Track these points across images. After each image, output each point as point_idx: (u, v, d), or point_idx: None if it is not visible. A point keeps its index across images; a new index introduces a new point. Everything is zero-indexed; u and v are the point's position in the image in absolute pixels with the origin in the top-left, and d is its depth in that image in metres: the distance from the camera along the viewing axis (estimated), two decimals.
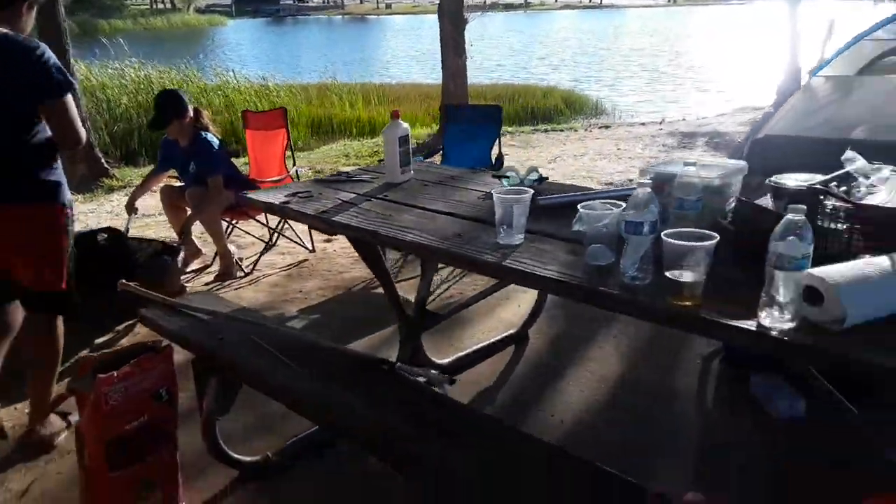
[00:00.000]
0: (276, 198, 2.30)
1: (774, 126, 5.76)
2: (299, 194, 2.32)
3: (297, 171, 4.52)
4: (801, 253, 1.21)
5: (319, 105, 11.89)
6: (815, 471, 2.15)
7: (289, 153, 4.55)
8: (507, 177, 2.30)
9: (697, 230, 1.36)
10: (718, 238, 1.33)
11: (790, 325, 1.24)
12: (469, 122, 4.64)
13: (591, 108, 12.89)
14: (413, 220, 1.98)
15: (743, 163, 1.73)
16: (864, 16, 6.27)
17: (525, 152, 8.18)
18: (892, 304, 1.24)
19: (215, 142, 4.05)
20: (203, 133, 4.03)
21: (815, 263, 1.26)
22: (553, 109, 12.47)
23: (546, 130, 10.07)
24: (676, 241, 1.32)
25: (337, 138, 10.55)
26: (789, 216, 1.22)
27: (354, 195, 2.32)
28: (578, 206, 1.58)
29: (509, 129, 9.93)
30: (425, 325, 2.62)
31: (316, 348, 1.88)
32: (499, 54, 23.62)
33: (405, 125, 2.49)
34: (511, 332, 3.15)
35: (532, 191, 1.77)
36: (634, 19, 46.94)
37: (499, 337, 3.11)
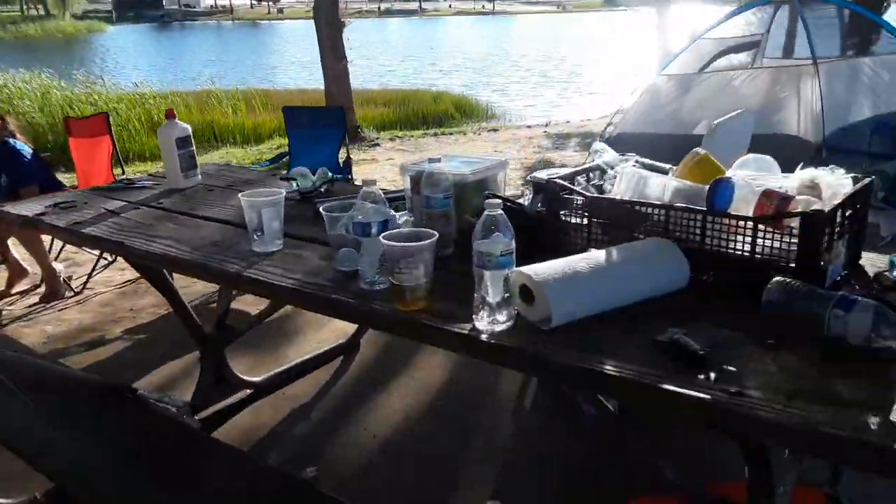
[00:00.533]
0: (32, 209, 2.05)
1: (625, 124, 5.96)
2: (61, 204, 2.09)
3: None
4: (499, 250, 1.13)
5: (199, 112, 11.40)
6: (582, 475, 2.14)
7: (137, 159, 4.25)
8: (295, 179, 2.16)
9: (418, 230, 1.26)
10: (436, 237, 1.23)
11: (503, 326, 1.16)
12: (312, 126, 4.48)
13: (481, 113, 13.01)
14: (173, 230, 1.80)
15: (505, 158, 1.67)
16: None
17: (412, 155, 8.09)
18: (601, 303, 1.18)
19: (26, 150, 3.72)
20: (11, 140, 3.69)
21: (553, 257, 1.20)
22: (444, 114, 12.49)
23: (436, 134, 10.06)
24: (390, 243, 1.22)
25: (219, 146, 10.15)
26: (487, 212, 1.14)
27: (125, 203, 2.11)
28: (321, 209, 1.46)
29: (399, 133, 9.87)
30: (227, 341, 2.43)
31: (52, 377, 1.66)
32: (389, 60, 23.57)
33: (184, 125, 2.30)
34: (341, 342, 3.01)
35: (283, 193, 1.63)
36: (525, 26, 48.05)
37: (326, 348, 2.96)
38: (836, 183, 1.31)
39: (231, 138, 10.64)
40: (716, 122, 2.02)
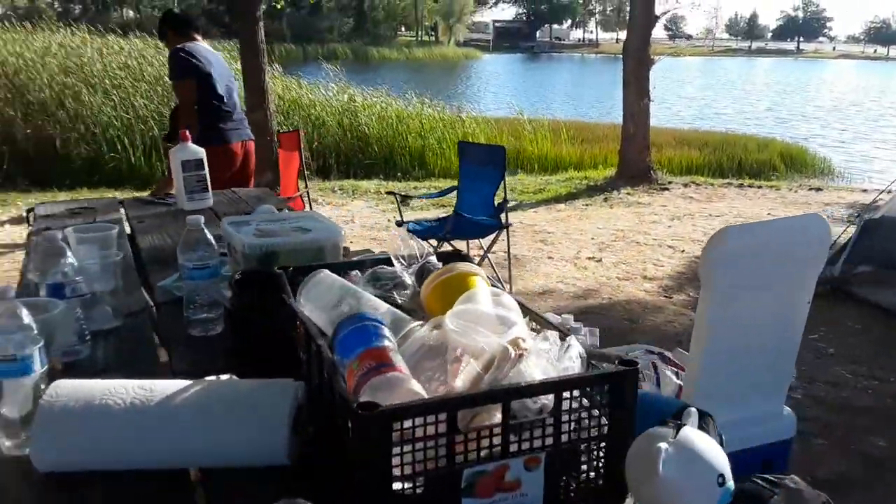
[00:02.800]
0: (54, 209, 2.37)
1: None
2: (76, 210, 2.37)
3: (307, 192, 4.55)
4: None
5: (512, 138, 12.07)
6: None
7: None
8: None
9: None
10: None
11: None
12: (479, 163, 4.32)
13: (812, 167, 11.44)
14: None
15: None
16: None
17: (690, 205, 7.50)
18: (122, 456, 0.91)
19: None
20: None
21: None
22: (765, 164, 11.27)
23: (742, 186, 9.14)
24: None
25: (514, 170, 10.65)
26: None
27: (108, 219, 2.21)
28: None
29: (699, 179, 9.22)
30: None
31: None
32: (721, 100, 21.99)
33: (196, 149, 2.30)
34: None
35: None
36: None
37: None
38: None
39: (529, 166, 11.02)
40: None
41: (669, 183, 8.77)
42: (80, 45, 10.97)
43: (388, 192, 4.46)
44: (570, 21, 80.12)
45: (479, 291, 0.93)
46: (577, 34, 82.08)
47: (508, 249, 4.25)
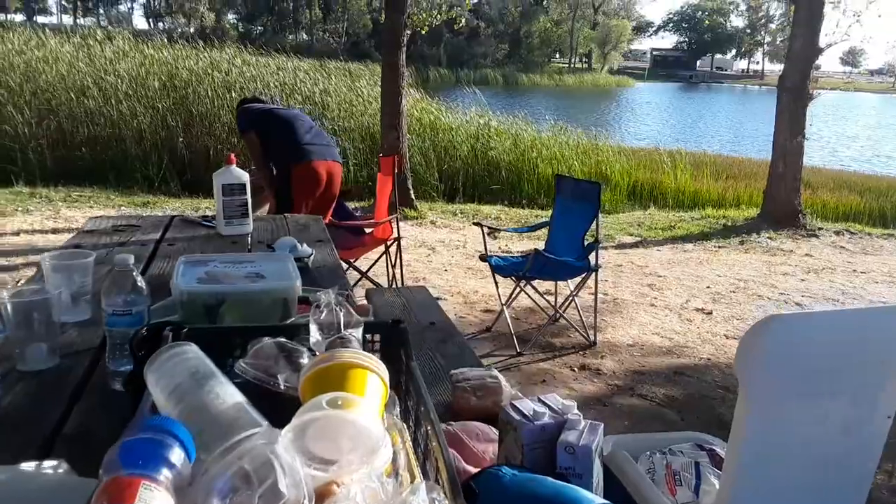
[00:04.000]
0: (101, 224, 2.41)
1: None
2: (120, 226, 2.38)
3: (396, 218, 4.41)
4: None
5: (648, 170, 11.52)
6: None
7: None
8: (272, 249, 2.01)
9: None
10: None
11: None
12: (573, 198, 4.03)
13: None
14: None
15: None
16: None
17: (837, 257, 6.68)
18: None
19: None
20: None
21: None
22: None
23: None
24: None
25: (647, 205, 10.13)
26: None
27: (148, 239, 2.26)
28: None
29: (856, 227, 8.26)
30: None
31: None
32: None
33: (240, 172, 2.24)
34: None
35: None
36: None
37: None
38: None
39: (662, 200, 10.44)
40: None
41: (819, 229, 7.91)
42: (243, 64, 11.83)
43: (475, 224, 4.27)
44: (734, 51, 76.23)
45: (345, 398, 0.72)
46: (741, 65, 77.80)
47: (596, 293, 3.92)
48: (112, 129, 9.48)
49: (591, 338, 3.84)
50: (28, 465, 0.77)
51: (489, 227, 4.08)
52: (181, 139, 9.58)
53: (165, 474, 0.62)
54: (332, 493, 0.59)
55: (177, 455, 0.64)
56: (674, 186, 10.88)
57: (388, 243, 4.30)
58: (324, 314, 0.98)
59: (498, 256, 3.97)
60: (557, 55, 64.11)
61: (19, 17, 48.86)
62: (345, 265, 4.31)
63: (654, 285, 5.09)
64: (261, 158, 3.82)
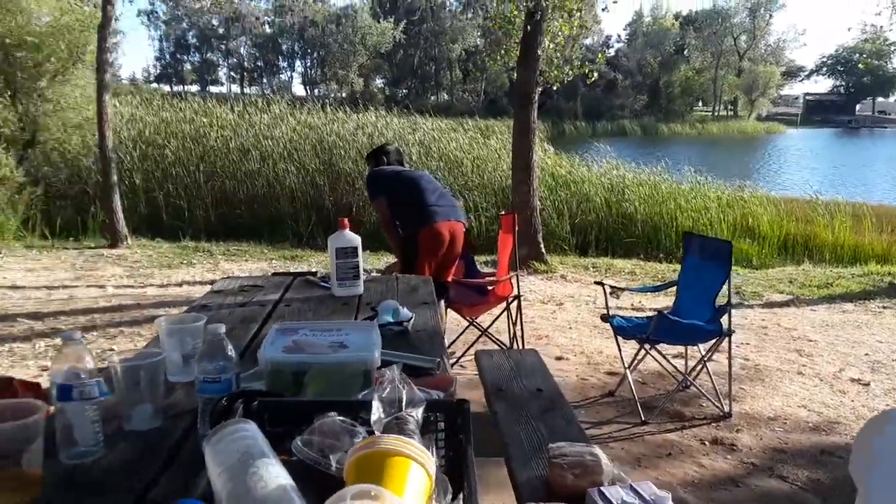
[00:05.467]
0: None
1: None
2: (246, 286, 2.48)
3: (517, 276, 4.31)
4: None
5: (796, 223, 10.75)
6: None
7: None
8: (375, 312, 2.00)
9: None
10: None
11: None
12: (701, 257, 3.74)
13: None
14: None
15: None
16: None
17: None
18: None
19: None
20: None
21: None
22: None
23: None
24: None
25: (801, 259, 9.43)
26: None
27: (268, 299, 2.35)
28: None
29: None
30: None
31: None
32: None
33: (351, 236, 2.29)
34: None
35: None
36: None
37: None
38: None
39: (818, 254, 9.65)
40: None
41: None
42: (385, 127, 12.50)
43: (597, 283, 4.13)
44: None
45: (372, 492, 0.69)
46: None
47: (730, 359, 3.63)
48: (268, 189, 10.33)
49: (726, 408, 3.54)
50: None
51: (611, 287, 3.93)
52: (329, 198, 10.20)
53: None
54: None
55: None
56: (831, 240, 10.06)
57: (509, 300, 4.27)
58: (387, 391, 0.97)
59: (621, 317, 3.80)
60: (700, 103, 61.93)
61: (194, 88, 54.88)
62: (466, 322, 4.36)
63: (804, 351, 4.64)
64: (390, 222, 3.95)
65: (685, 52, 57.63)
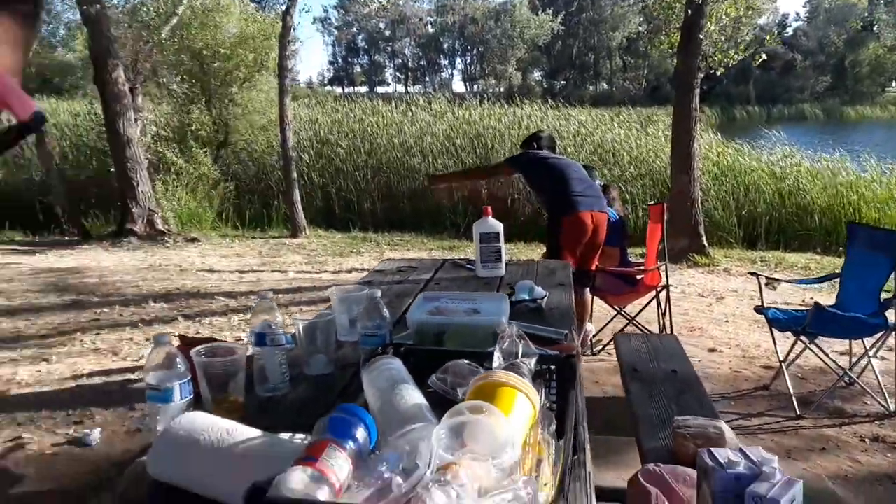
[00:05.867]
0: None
1: None
2: (402, 267, 2.75)
3: (662, 266, 4.21)
4: None
5: None
6: None
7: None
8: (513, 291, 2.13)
9: None
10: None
11: None
12: (866, 248, 3.50)
13: None
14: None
15: None
16: None
17: None
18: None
19: (612, 214, 4.20)
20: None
21: None
22: None
23: None
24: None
25: None
26: None
27: (421, 279, 2.58)
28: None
29: None
30: None
31: None
32: None
33: (494, 223, 2.50)
34: None
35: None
36: None
37: None
38: None
39: None
40: None
41: None
42: (541, 119, 12.61)
43: (751, 273, 4.02)
44: None
45: (482, 407, 0.88)
46: None
47: None
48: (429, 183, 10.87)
49: (892, 406, 3.34)
50: (285, 435, 1.07)
51: (767, 278, 3.80)
52: (485, 189, 10.52)
53: (350, 444, 0.86)
54: (451, 470, 0.77)
55: (360, 433, 0.88)
56: None
57: (658, 290, 4.28)
58: (506, 343, 1.16)
59: (777, 309, 3.69)
60: (894, 84, 55.27)
61: (363, 89, 58.07)
62: (615, 310, 4.42)
63: None
64: (493, 176, 4.09)
65: (874, 29, 51.62)
